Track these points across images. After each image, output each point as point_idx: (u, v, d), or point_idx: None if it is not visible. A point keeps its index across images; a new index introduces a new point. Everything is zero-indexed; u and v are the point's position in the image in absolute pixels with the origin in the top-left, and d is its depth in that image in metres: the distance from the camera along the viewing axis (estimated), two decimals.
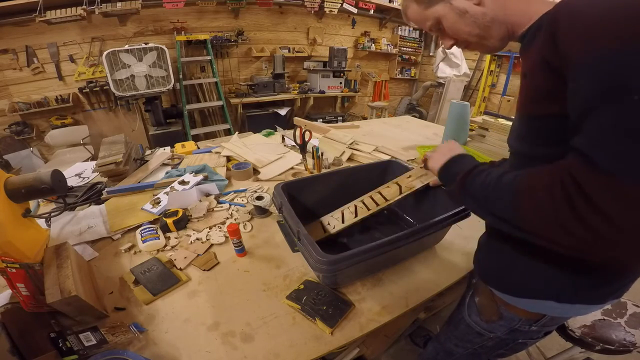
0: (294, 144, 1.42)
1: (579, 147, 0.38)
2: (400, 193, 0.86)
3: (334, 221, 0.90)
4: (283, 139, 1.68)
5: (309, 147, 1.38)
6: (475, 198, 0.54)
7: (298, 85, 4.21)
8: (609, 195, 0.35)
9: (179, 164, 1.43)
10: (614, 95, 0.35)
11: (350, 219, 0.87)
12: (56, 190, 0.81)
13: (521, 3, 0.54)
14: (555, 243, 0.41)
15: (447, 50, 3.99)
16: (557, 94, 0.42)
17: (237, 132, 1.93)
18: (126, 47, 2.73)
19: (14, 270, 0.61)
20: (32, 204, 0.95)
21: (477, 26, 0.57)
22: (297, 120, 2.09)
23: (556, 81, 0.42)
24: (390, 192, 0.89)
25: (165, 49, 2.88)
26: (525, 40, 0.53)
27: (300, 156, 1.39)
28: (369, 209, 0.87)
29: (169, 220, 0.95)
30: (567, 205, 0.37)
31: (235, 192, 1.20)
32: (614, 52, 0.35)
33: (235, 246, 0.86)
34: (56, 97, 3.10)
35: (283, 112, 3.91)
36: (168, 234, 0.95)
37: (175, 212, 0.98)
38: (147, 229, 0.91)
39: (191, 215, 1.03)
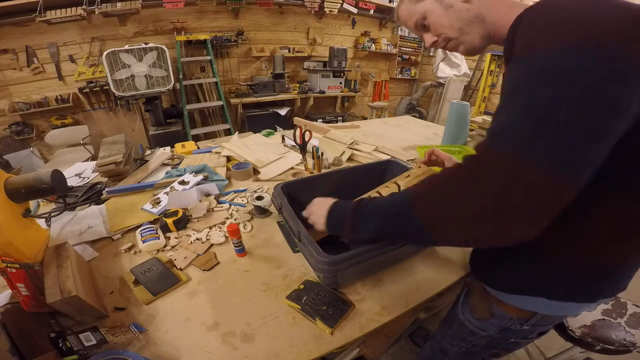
0: (294, 144, 1.42)
1: (490, 129, 0.42)
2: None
3: None
4: (283, 139, 1.68)
5: (309, 147, 1.38)
6: (369, 228, 0.55)
7: (298, 85, 4.21)
8: (503, 170, 0.38)
9: (179, 164, 1.43)
10: (530, 84, 0.38)
11: None
12: (56, 190, 0.81)
13: (504, 6, 0.56)
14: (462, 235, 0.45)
15: (447, 50, 3.99)
16: None
17: (237, 132, 1.93)
18: (126, 47, 2.73)
19: (14, 270, 0.61)
20: (32, 204, 0.95)
21: (460, 20, 0.60)
22: (297, 120, 2.08)
23: None
24: (388, 192, 0.88)
25: (165, 49, 2.88)
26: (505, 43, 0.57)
27: (300, 156, 1.39)
28: None
29: (169, 220, 0.95)
30: (474, 180, 0.41)
31: (235, 192, 1.20)
32: (550, 51, 0.37)
33: (235, 246, 0.86)
34: (56, 97, 3.10)
35: (283, 112, 3.91)
36: (168, 234, 0.95)
37: (175, 212, 0.98)
38: (147, 229, 0.91)
39: (191, 215, 1.03)
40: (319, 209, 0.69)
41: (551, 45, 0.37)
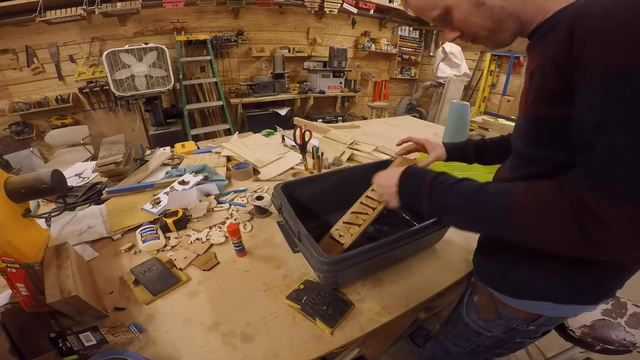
0: (294, 144, 1.42)
1: (590, 168, 0.38)
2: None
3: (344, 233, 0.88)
4: (283, 139, 1.68)
5: (309, 147, 1.38)
6: (451, 213, 0.54)
7: (298, 85, 4.21)
8: (624, 221, 0.35)
9: (179, 164, 1.43)
10: (633, 117, 0.34)
11: (356, 232, 0.85)
12: (56, 190, 0.81)
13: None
14: (557, 250, 0.42)
15: (446, 50, 3.99)
16: (563, 97, 0.42)
17: (237, 132, 1.93)
18: (126, 47, 2.73)
19: (14, 270, 0.61)
20: (32, 204, 0.95)
21: (492, 20, 0.52)
22: (297, 120, 2.09)
23: (564, 85, 0.42)
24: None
25: (165, 49, 2.88)
26: (535, 37, 0.51)
27: (300, 156, 1.39)
28: (370, 210, 0.86)
29: (169, 220, 0.95)
30: (577, 229, 0.38)
31: (235, 192, 1.20)
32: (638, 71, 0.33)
33: (235, 246, 0.86)
34: (56, 97, 3.10)
35: (283, 112, 3.91)
36: (168, 234, 0.95)
37: (175, 212, 0.98)
38: (147, 229, 0.91)
39: (191, 215, 1.03)
40: (387, 183, 0.65)
41: None
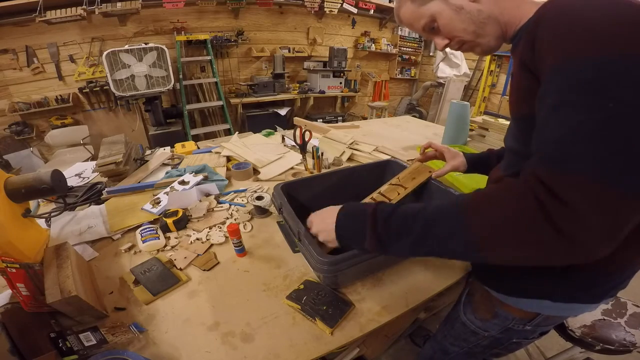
0: (294, 144, 1.42)
1: (544, 149, 0.38)
2: (398, 194, 0.86)
3: None
4: (283, 139, 1.68)
5: (309, 147, 1.38)
6: (399, 238, 0.48)
7: (298, 85, 4.21)
8: (583, 197, 0.34)
9: (179, 164, 1.43)
10: (586, 98, 0.35)
11: None
12: (56, 190, 0.81)
13: (513, 3, 0.55)
14: (522, 253, 0.39)
15: (447, 50, 3.99)
16: (535, 95, 0.44)
17: (237, 132, 1.93)
18: (126, 47, 2.73)
19: (14, 270, 0.61)
20: (32, 204, 0.95)
21: (473, 22, 0.56)
22: (297, 120, 2.09)
23: (533, 82, 0.44)
24: (394, 193, 0.88)
25: (165, 49, 2.88)
26: (514, 42, 0.55)
27: (300, 156, 1.39)
28: None
29: (169, 220, 0.95)
30: (540, 213, 0.36)
31: (235, 192, 1.20)
32: (590, 57, 0.35)
33: (235, 246, 0.86)
34: (56, 97, 3.11)
35: (283, 112, 3.91)
36: (168, 234, 0.95)
37: (175, 212, 0.98)
38: (147, 229, 0.91)
39: (191, 215, 1.03)
40: (322, 223, 0.61)
41: (599, 53, 0.34)
